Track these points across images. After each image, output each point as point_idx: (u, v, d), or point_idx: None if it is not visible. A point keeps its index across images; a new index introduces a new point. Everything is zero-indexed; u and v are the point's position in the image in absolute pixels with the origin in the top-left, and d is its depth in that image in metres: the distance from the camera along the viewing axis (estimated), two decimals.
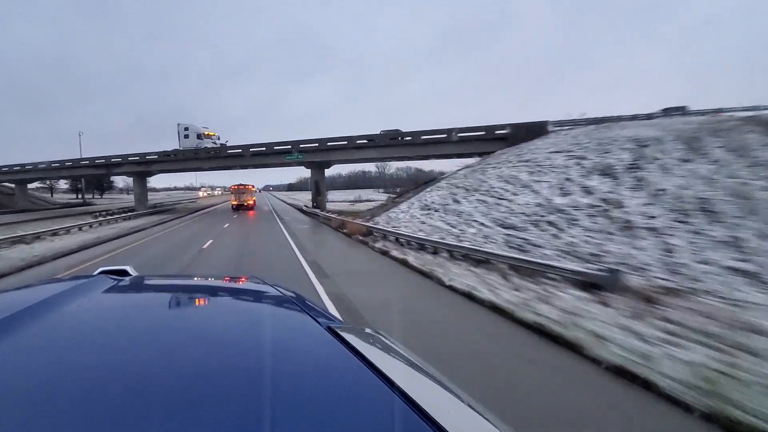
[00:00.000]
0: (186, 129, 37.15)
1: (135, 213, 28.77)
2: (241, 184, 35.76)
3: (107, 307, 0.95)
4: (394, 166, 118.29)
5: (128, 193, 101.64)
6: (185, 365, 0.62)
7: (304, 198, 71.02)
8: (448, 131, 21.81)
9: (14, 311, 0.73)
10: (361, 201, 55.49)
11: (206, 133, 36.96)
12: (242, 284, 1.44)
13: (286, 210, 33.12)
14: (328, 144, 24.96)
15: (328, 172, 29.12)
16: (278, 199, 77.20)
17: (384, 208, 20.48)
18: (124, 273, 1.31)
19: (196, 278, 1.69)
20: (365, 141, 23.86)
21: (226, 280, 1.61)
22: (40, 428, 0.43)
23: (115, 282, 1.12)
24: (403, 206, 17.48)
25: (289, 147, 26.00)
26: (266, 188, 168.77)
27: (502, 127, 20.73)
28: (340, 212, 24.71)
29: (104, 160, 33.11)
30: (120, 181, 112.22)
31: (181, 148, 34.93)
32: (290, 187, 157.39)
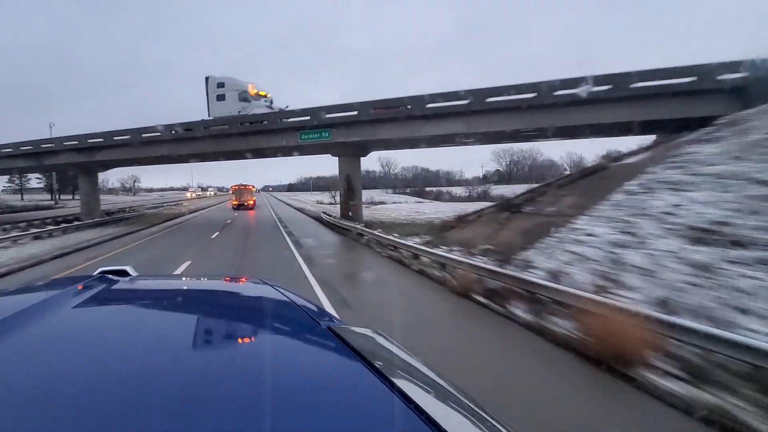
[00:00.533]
0: (221, 85, 22.01)
1: (75, 225, 19.06)
2: (241, 185, 35.95)
3: (107, 308, 0.94)
4: (399, 165, 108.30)
5: (117, 194, 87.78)
6: (185, 365, 0.61)
7: (308, 199, 60.19)
8: (615, 79, 11.37)
9: (14, 311, 0.72)
10: (374, 203, 45.94)
11: (254, 92, 22.02)
12: (242, 285, 1.43)
13: (297, 221, 22.35)
14: (373, 110, 14.41)
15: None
16: (279, 200, 65.89)
17: (503, 224, 10.38)
18: (124, 273, 1.25)
19: (195, 279, 1.70)
20: (447, 104, 13.14)
21: (225, 281, 1.59)
22: (39, 429, 0.42)
23: (115, 282, 1.10)
24: (597, 229, 7.40)
25: (308, 118, 15.37)
26: (265, 188, 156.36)
27: (731, 67, 10.67)
28: (382, 225, 14.76)
29: (32, 146, 22.69)
30: (115, 180, 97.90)
31: (211, 117, 20.93)
32: (290, 188, 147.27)
